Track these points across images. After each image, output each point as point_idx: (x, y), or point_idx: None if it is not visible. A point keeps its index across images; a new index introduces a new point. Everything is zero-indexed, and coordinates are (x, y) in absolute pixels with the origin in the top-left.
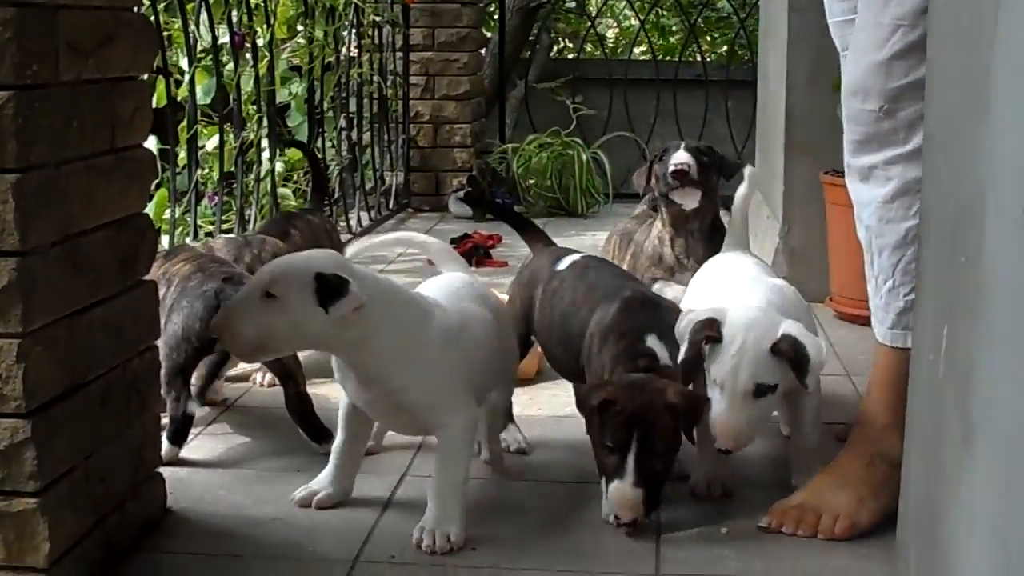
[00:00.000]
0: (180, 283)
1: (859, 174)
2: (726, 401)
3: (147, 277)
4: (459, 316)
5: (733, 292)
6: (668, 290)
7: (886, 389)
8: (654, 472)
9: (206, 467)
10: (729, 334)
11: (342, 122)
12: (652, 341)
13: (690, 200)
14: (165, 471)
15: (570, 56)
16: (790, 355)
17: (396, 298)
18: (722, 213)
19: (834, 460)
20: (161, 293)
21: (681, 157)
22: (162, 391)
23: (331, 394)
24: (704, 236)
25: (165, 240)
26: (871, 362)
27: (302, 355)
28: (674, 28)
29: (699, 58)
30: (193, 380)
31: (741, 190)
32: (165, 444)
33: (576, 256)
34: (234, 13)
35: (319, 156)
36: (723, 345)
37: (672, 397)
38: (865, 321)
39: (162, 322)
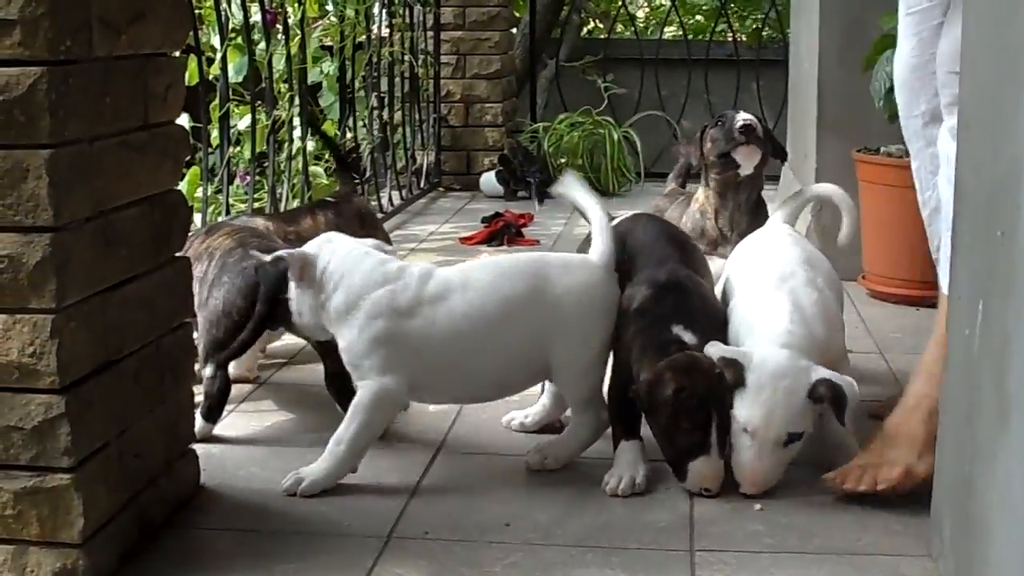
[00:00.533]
0: (221, 257)
1: (950, 133)
2: (756, 448)
3: (189, 253)
4: (416, 299)
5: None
6: (711, 264)
7: None
8: (726, 438)
9: (239, 444)
10: (758, 381)
11: (373, 101)
12: (678, 329)
13: (751, 161)
14: (198, 448)
15: (601, 36)
16: (830, 397)
17: (359, 265)
18: None
19: (890, 416)
20: (203, 268)
21: (747, 116)
22: (198, 366)
23: None
24: (750, 209)
25: (197, 219)
26: (902, 340)
27: None
28: (704, 7)
29: (730, 37)
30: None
31: (828, 190)
32: (199, 421)
33: (631, 213)
34: None
35: (338, 142)
36: (750, 392)
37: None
38: (897, 299)
39: (204, 296)
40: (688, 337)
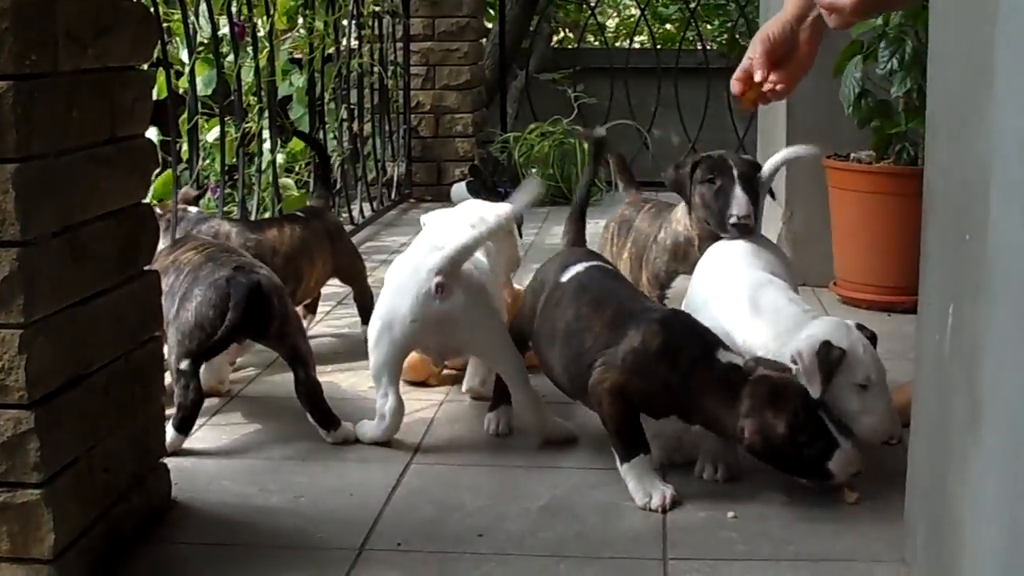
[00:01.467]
0: (192, 271)
1: None
2: (878, 390)
3: (155, 266)
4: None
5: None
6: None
7: None
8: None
9: (211, 456)
10: (845, 342)
11: (343, 113)
12: (724, 354)
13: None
14: (170, 461)
15: (570, 46)
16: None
17: None
18: None
19: None
20: (170, 281)
21: (743, 207)
22: (171, 378)
23: (341, 381)
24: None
25: None
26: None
27: (313, 342)
28: (673, 17)
29: (700, 46)
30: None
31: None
32: (170, 432)
33: (580, 267)
34: (234, 4)
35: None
36: (848, 352)
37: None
38: (869, 305)
39: (172, 309)
40: (734, 358)
